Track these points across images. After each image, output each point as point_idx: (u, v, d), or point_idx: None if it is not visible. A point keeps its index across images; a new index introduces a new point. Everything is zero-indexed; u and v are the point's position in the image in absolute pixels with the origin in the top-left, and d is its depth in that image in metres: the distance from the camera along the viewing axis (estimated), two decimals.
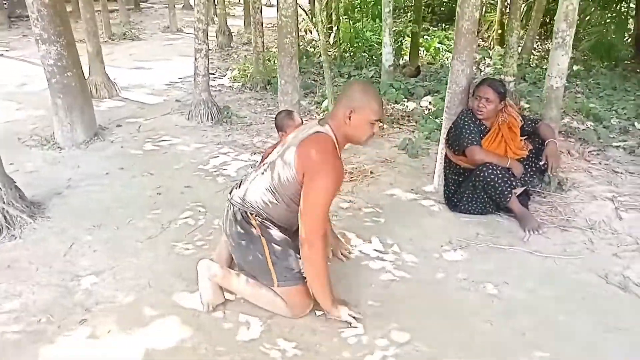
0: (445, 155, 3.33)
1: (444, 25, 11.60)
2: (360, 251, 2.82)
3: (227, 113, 5.21)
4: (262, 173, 2.24)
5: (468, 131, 3.06)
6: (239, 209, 2.25)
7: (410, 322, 2.23)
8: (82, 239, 2.90)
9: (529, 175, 3.20)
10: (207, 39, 5.01)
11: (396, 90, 6.12)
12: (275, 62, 7.94)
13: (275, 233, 2.20)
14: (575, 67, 7.70)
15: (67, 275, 2.55)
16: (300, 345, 2.09)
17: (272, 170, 2.18)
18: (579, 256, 2.80)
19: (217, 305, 2.30)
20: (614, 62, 8.04)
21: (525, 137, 3.27)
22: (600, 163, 4.26)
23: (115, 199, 3.39)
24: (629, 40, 9.99)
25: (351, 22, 8.87)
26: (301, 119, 3.33)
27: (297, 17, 3.50)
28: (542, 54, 9.34)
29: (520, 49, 9.02)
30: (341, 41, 8.42)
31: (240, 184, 2.38)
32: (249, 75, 6.62)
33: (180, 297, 2.39)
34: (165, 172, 3.87)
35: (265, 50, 6.60)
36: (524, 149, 3.19)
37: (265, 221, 2.21)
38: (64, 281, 2.50)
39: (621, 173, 4.03)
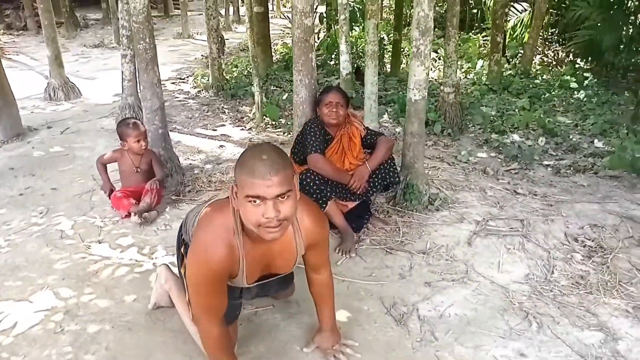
0: None
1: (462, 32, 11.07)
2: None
3: None
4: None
5: (313, 139, 2.88)
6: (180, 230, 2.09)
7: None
8: None
9: (367, 189, 2.98)
10: (133, 45, 5.09)
11: None
12: (235, 68, 7.98)
13: None
14: (566, 77, 7.12)
15: None
16: None
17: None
18: (380, 282, 2.56)
19: (161, 307, 2.29)
20: (608, 70, 7.32)
21: (368, 149, 3.06)
22: (509, 183, 3.89)
23: None
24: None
25: (334, 29, 8.72)
26: (144, 127, 3.32)
27: (151, 23, 3.45)
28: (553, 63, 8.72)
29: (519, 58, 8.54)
30: (319, 48, 8.32)
31: None
32: (206, 81, 6.69)
33: None
34: (48, 174, 3.96)
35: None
36: (361, 160, 2.98)
37: None
38: None
39: (523, 195, 3.66)
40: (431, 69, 8.17)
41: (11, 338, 2.14)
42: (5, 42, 10.85)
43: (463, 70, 8.36)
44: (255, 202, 1.48)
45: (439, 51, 8.67)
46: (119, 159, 3.31)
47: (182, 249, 2.02)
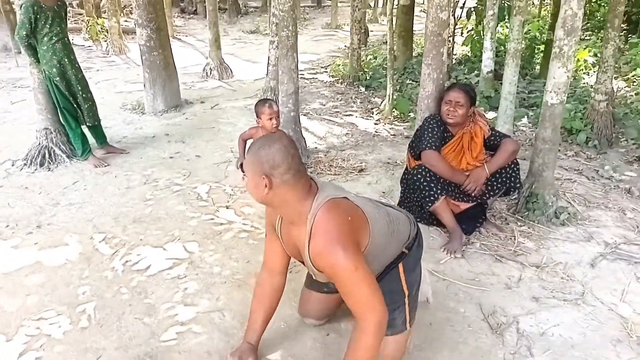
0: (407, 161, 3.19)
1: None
2: None
3: None
4: None
5: (430, 135, 2.88)
6: None
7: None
8: (85, 179, 3.66)
9: (483, 192, 2.88)
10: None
11: (484, 98, 5.75)
12: (373, 59, 8.04)
13: None
14: None
15: (50, 201, 3.32)
16: None
17: None
18: (482, 288, 2.48)
19: None
20: None
21: (491, 151, 2.95)
22: None
23: (136, 156, 4.11)
24: None
25: (480, 26, 8.32)
26: (277, 107, 3.57)
27: (295, 13, 3.68)
28: None
29: None
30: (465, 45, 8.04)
31: None
32: (343, 70, 6.89)
33: (97, 237, 2.90)
34: (196, 142, 4.48)
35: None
36: (480, 162, 2.89)
37: None
38: (46, 205, 3.27)
39: None
40: (586, 74, 7.43)
41: (144, 277, 2.52)
42: (177, 25, 12.27)
43: (626, 77, 7.46)
44: None
45: (599, 54, 7.81)
46: (254, 135, 3.61)
47: None
